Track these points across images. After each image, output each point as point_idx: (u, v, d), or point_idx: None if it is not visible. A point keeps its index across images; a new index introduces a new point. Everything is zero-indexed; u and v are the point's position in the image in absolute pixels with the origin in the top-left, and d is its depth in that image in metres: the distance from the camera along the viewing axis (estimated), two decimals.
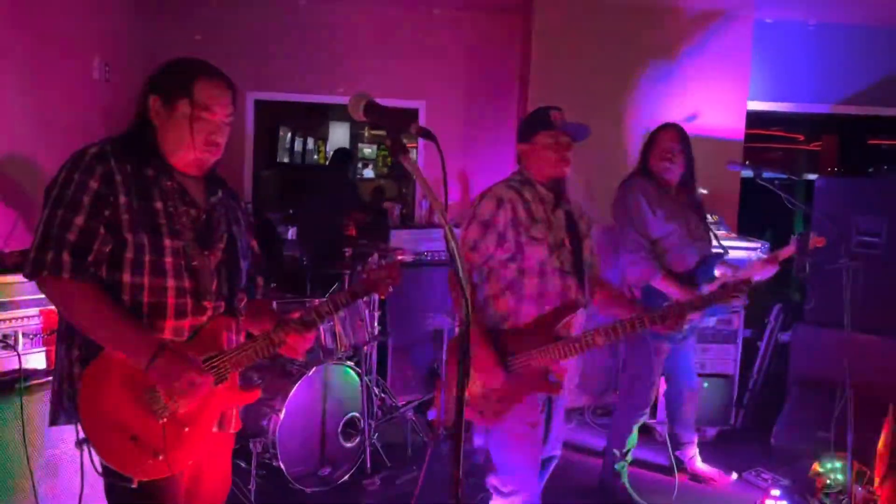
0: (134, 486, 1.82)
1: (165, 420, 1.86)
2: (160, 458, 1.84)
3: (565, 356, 2.48)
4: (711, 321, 3.66)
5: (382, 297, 2.02)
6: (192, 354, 1.88)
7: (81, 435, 1.83)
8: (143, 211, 1.85)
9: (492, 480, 2.62)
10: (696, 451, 3.96)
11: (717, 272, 3.59)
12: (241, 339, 2.08)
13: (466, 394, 2.48)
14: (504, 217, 2.52)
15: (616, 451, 3.68)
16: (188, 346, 1.90)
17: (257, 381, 3.66)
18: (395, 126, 1.49)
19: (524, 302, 2.52)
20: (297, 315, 2.05)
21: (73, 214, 1.80)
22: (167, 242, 1.86)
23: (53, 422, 1.91)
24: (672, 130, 3.59)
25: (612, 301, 2.78)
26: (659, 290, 3.41)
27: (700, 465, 3.98)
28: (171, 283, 1.86)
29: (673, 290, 3.39)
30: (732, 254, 4.05)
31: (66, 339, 1.89)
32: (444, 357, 4.28)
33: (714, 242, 3.70)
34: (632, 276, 3.48)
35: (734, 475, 3.95)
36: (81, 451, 1.85)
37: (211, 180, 2.04)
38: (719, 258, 3.60)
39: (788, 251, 3.55)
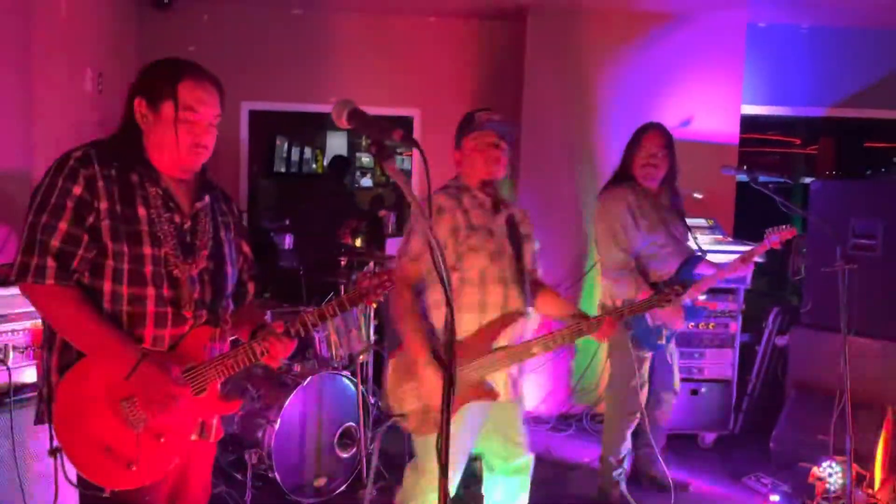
0: (106, 494, 1.82)
1: (140, 431, 1.84)
2: (133, 468, 1.83)
3: (501, 367, 2.49)
4: (688, 325, 3.63)
5: (373, 306, 1.98)
6: (173, 365, 1.87)
7: (56, 443, 1.84)
8: (125, 217, 1.84)
9: (409, 475, 2.63)
10: (658, 458, 3.76)
11: (699, 272, 3.58)
12: (226, 347, 2.06)
13: (406, 409, 2.49)
14: (443, 227, 2.49)
15: (612, 460, 3.66)
16: (168, 357, 1.88)
17: (252, 393, 3.64)
18: (378, 133, 1.47)
19: (463, 312, 2.48)
20: (278, 324, 1.99)
21: (57, 220, 1.79)
22: (147, 251, 1.85)
23: (38, 420, 1.93)
24: (656, 133, 3.53)
25: (551, 304, 2.75)
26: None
27: (654, 471, 3.84)
28: (150, 291, 1.85)
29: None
30: (726, 258, 4.03)
31: (47, 344, 1.90)
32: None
33: (694, 245, 3.68)
34: (618, 292, 3.46)
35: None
36: (54, 459, 1.85)
37: (200, 184, 2.01)
38: (699, 260, 3.58)
39: (763, 248, 3.48)
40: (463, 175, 2.64)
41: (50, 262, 1.78)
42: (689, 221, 4.64)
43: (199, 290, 1.94)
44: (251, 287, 2.21)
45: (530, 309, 2.64)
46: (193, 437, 1.98)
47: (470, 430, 2.53)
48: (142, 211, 1.86)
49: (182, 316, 1.90)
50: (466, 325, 2.49)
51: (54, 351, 1.87)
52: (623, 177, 3.59)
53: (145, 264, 1.84)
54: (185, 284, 1.91)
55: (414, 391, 2.48)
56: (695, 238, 3.73)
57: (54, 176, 1.83)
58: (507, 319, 2.50)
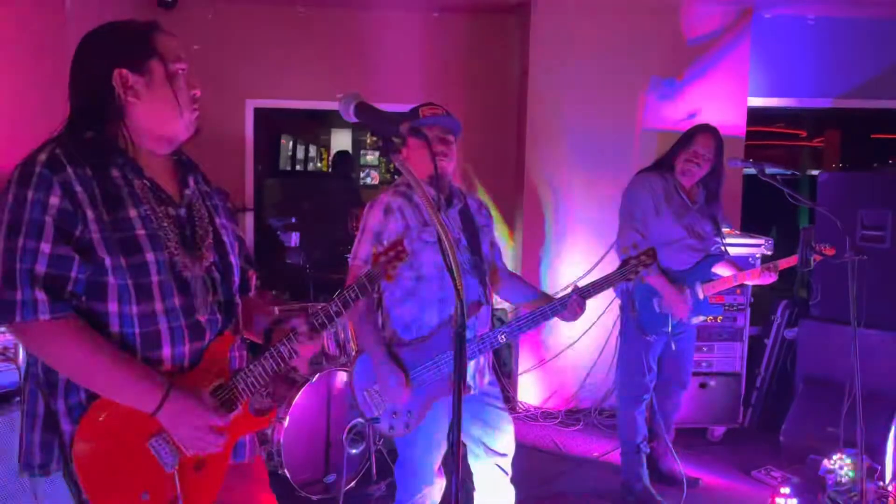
0: None
1: (177, 469, 1.63)
2: None
3: (468, 359, 2.50)
4: (698, 320, 3.63)
5: (391, 279, 1.87)
6: (203, 389, 1.66)
7: (84, 497, 1.57)
8: (116, 224, 1.57)
9: (397, 473, 2.66)
10: (668, 453, 3.80)
11: (718, 270, 3.57)
12: (245, 353, 1.85)
13: (377, 412, 2.50)
14: (394, 225, 2.49)
15: (628, 445, 3.65)
16: (193, 378, 1.67)
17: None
18: (386, 125, 1.47)
19: (426, 309, 2.50)
20: (301, 321, 1.78)
21: (37, 240, 1.49)
22: (149, 257, 1.59)
23: (30, 470, 1.62)
24: (708, 136, 3.52)
25: (515, 290, 2.77)
26: (652, 286, 3.41)
27: (664, 465, 3.89)
28: (159, 305, 1.61)
29: (665, 291, 3.40)
30: (734, 251, 4.03)
31: (44, 384, 1.60)
32: None
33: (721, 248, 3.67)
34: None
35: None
36: None
37: (180, 165, 1.77)
38: (719, 259, 3.57)
39: (789, 262, 3.54)
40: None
41: (39, 295, 1.49)
42: None
43: (211, 290, 1.72)
44: (253, 276, 1.98)
45: (489, 297, 2.66)
46: (231, 462, 1.77)
47: (443, 425, 2.54)
48: (132, 212, 1.59)
49: (198, 323, 1.67)
50: (428, 320, 2.51)
51: (58, 395, 1.59)
52: (661, 165, 3.62)
53: (150, 274, 1.59)
54: (197, 286, 1.68)
55: (378, 393, 2.50)
56: (724, 243, 3.71)
57: (20, 187, 1.52)
58: (468, 310, 2.51)
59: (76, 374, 1.56)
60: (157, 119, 1.65)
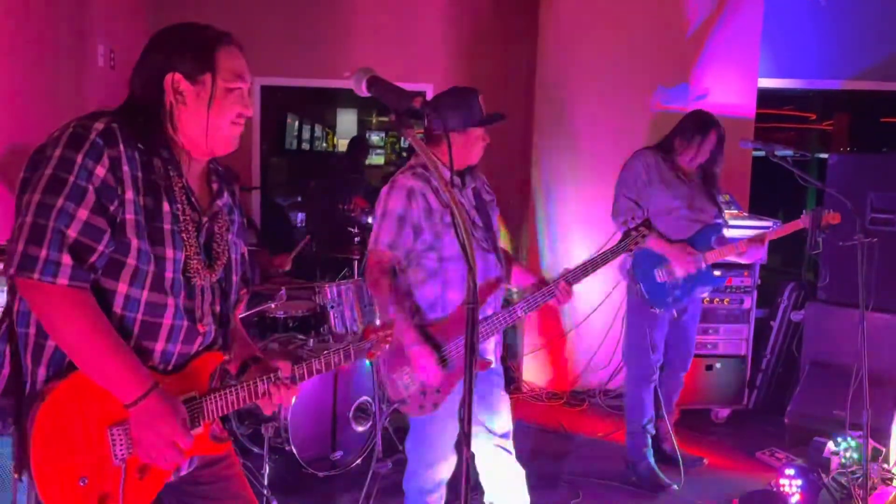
0: None
1: (125, 465, 1.57)
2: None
3: (490, 335, 2.55)
4: (704, 293, 3.66)
5: (372, 358, 1.91)
6: (180, 404, 1.62)
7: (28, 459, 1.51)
8: (149, 212, 1.57)
9: (410, 449, 2.68)
10: (669, 430, 3.81)
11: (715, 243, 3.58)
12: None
13: (404, 395, 2.51)
14: (417, 209, 2.48)
15: (634, 425, 3.67)
16: (171, 380, 1.64)
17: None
18: (398, 100, 1.46)
19: (449, 288, 2.51)
20: (286, 367, 1.77)
21: (76, 205, 1.47)
22: (170, 253, 1.59)
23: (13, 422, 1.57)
24: (711, 139, 3.53)
25: (515, 272, 2.80)
26: (653, 252, 3.46)
27: (666, 446, 3.88)
28: (170, 300, 1.60)
29: (665, 249, 3.45)
30: (742, 233, 4.02)
31: (30, 349, 1.56)
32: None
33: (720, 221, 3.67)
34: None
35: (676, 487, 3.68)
36: (20, 479, 1.55)
37: (218, 176, 1.77)
38: (718, 229, 3.58)
39: (778, 233, 3.56)
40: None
41: (65, 258, 1.46)
42: None
43: (216, 303, 1.73)
44: (244, 294, 1.94)
45: (508, 274, 2.70)
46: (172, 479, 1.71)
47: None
48: (166, 206, 1.60)
49: (196, 331, 1.67)
50: (452, 299, 2.51)
51: (42, 361, 1.55)
52: (661, 147, 3.64)
53: (166, 269, 1.59)
54: (204, 295, 1.68)
55: (409, 375, 2.50)
56: (724, 218, 3.71)
57: (69, 149, 1.50)
58: (491, 287, 2.54)
59: (70, 346, 1.52)
60: (198, 130, 1.65)
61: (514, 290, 5.01)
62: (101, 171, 1.50)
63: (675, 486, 3.61)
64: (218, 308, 1.74)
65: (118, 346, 1.52)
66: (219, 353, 1.74)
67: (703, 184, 3.64)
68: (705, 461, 3.94)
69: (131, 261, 1.54)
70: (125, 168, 1.53)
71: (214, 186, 1.75)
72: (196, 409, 1.66)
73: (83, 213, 1.48)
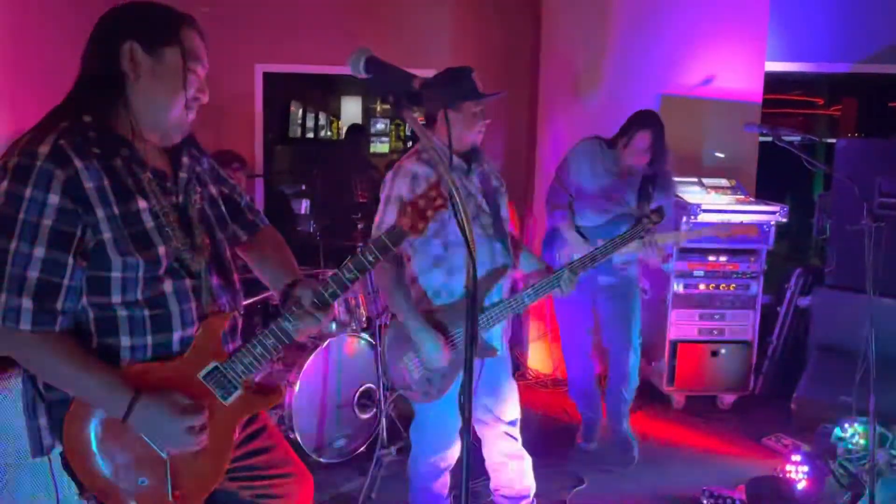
0: None
1: (168, 456, 1.59)
2: (170, 499, 1.59)
3: (496, 322, 2.54)
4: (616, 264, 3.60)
5: (421, 232, 1.70)
6: (175, 391, 1.59)
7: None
8: (126, 218, 1.49)
9: (414, 435, 2.68)
10: (623, 416, 3.83)
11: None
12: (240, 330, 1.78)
13: (409, 381, 2.51)
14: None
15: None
16: (186, 359, 1.62)
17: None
18: (397, 81, 1.43)
19: (455, 274, 2.49)
20: (306, 293, 1.68)
21: (29, 244, 1.40)
22: (161, 250, 1.54)
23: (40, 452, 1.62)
24: (646, 135, 3.49)
25: (524, 259, 2.78)
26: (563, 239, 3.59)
27: (621, 429, 3.84)
28: (169, 289, 1.57)
29: (572, 241, 3.54)
30: (749, 218, 4.01)
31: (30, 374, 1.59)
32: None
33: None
34: (549, 223, 3.68)
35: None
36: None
37: (174, 147, 1.67)
38: (629, 219, 3.51)
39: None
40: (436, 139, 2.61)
41: (26, 303, 1.42)
42: (710, 181, 4.59)
43: (215, 272, 1.70)
44: (248, 208, 1.88)
45: (514, 261, 2.68)
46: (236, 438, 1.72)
47: None
48: (142, 203, 1.52)
49: (204, 308, 1.65)
50: (457, 285, 2.50)
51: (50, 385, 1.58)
52: (609, 139, 3.67)
53: (160, 264, 1.55)
54: (203, 269, 1.65)
55: (413, 361, 2.49)
56: (645, 213, 3.59)
57: (16, 182, 1.40)
58: (496, 274, 2.52)
59: (50, 381, 1.54)
60: (151, 106, 1.55)
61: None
62: (53, 199, 1.40)
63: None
64: (218, 278, 1.70)
65: (91, 371, 1.50)
66: (219, 313, 1.67)
67: (643, 181, 3.61)
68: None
69: (116, 274, 1.50)
70: (87, 185, 1.44)
71: (172, 156, 1.66)
72: (220, 378, 1.64)
73: (39, 251, 1.41)
